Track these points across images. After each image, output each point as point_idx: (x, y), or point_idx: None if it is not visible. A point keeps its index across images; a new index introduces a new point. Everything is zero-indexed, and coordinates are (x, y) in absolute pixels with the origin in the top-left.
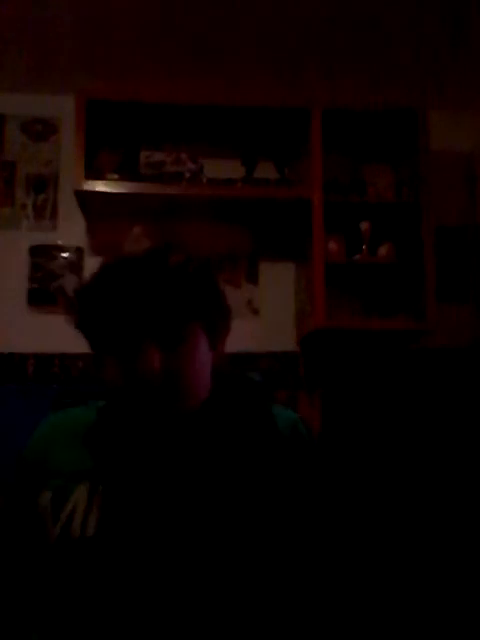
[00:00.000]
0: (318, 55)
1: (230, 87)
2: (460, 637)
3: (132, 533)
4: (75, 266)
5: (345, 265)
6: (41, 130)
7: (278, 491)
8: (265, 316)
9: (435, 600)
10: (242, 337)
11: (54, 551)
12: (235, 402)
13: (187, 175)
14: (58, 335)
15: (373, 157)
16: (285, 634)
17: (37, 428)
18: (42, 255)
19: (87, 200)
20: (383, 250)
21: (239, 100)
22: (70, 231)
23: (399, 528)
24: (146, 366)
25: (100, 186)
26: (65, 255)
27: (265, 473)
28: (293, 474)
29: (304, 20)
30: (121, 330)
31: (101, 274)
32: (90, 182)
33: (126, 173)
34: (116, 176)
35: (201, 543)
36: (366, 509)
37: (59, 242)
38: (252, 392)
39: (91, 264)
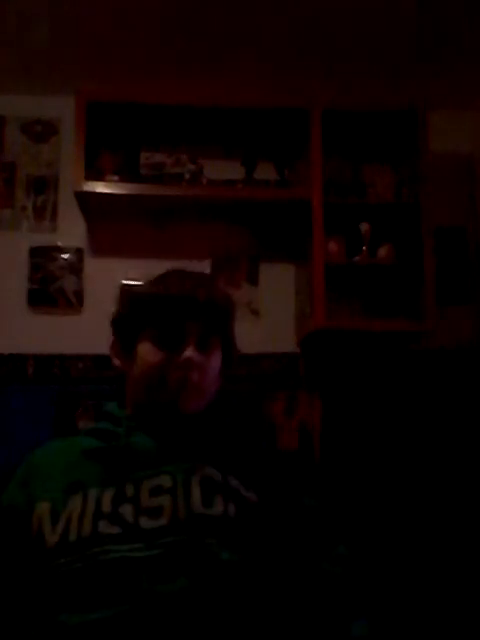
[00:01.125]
0: (318, 56)
1: (230, 88)
2: (460, 637)
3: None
4: (75, 267)
5: (345, 266)
6: (41, 131)
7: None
8: (265, 317)
9: (435, 599)
10: (242, 338)
11: (52, 554)
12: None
13: (187, 176)
14: (58, 336)
15: (373, 158)
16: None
17: (33, 453)
18: (42, 256)
19: (87, 201)
20: (383, 251)
21: (239, 101)
22: (70, 232)
23: (399, 528)
24: (189, 354)
25: (100, 187)
26: (65, 256)
27: (263, 471)
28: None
29: (304, 21)
30: (174, 325)
31: (160, 281)
32: (90, 183)
33: (126, 174)
34: (116, 177)
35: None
36: (366, 508)
37: (59, 243)
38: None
39: (91, 265)
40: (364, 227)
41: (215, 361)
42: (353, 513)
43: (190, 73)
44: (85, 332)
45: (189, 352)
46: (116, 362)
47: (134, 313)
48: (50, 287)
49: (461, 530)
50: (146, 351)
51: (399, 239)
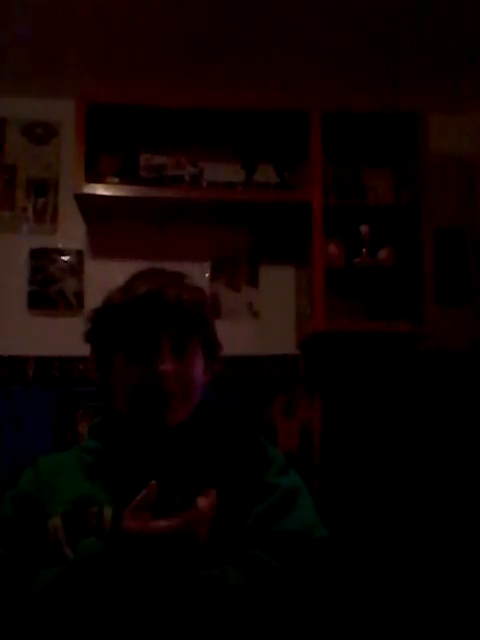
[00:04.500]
0: (318, 59)
1: (230, 90)
2: (460, 637)
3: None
4: (75, 269)
5: (345, 268)
6: (42, 133)
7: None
8: (265, 319)
9: (435, 600)
10: (242, 340)
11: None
12: (219, 419)
13: (187, 178)
14: (58, 338)
15: (373, 160)
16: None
17: (30, 468)
18: (42, 258)
19: (87, 203)
20: (383, 253)
21: (239, 103)
22: (70, 234)
23: (399, 529)
24: (164, 366)
25: (100, 189)
26: (65, 258)
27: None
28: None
29: (304, 23)
30: (145, 335)
31: (128, 288)
32: (90, 185)
33: (126, 176)
34: (116, 179)
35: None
36: (366, 509)
37: (59, 245)
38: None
39: (91, 267)
40: (364, 229)
41: (195, 364)
42: (353, 514)
43: (190, 75)
44: None
45: (164, 365)
46: (95, 377)
47: (104, 328)
48: (50, 289)
49: (461, 530)
50: (121, 367)
51: (399, 241)
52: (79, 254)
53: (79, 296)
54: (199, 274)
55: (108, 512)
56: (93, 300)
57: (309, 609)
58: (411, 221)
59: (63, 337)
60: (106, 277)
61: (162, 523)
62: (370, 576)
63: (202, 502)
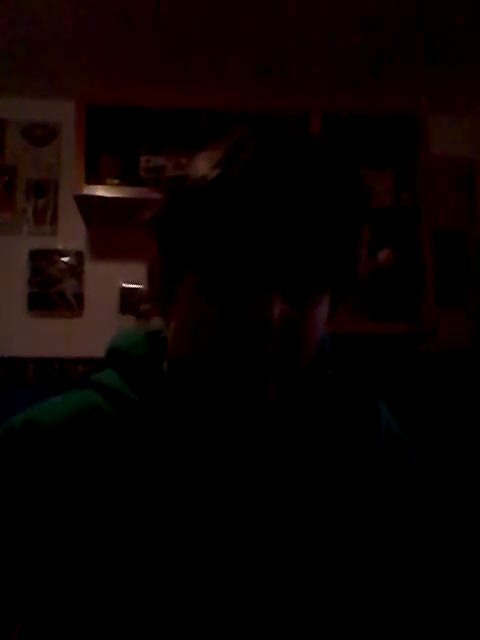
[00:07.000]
0: (318, 60)
1: (229, 92)
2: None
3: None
4: (75, 270)
5: None
6: (42, 135)
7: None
8: None
9: (436, 603)
10: None
11: None
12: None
13: None
14: (58, 339)
15: (373, 162)
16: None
17: None
18: (42, 259)
19: (87, 205)
20: (383, 255)
21: (239, 105)
22: (70, 236)
23: (400, 531)
24: (264, 312)
25: (100, 191)
26: (65, 260)
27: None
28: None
29: (304, 25)
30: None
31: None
32: (90, 187)
33: (126, 178)
34: (116, 181)
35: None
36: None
37: (59, 247)
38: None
39: (91, 268)
40: None
41: (317, 311)
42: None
43: (190, 76)
44: (85, 335)
45: (268, 309)
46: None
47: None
48: (50, 290)
49: (461, 530)
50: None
51: (399, 243)
52: (79, 255)
53: (79, 297)
54: None
55: None
56: (93, 301)
57: None
58: (411, 223)
59: (63, 338)
60: (106, 278)
61: None
62: (371, 579)
63: None
